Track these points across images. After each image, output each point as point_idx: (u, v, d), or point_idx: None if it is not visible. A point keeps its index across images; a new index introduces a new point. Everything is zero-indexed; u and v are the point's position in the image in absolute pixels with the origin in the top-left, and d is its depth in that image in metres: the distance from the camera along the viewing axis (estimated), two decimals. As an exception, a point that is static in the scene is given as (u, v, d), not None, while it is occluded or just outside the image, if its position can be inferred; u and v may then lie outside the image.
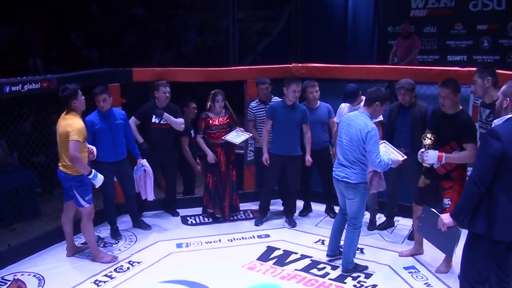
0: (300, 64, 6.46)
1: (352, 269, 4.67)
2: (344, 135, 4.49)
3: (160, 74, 6.12)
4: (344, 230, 4.72)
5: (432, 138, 4.35)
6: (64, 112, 4.68)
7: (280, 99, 5.70)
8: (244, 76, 6.36)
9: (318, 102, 5.73)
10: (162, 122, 5.73)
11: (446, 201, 4.44)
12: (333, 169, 4.64)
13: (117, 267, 4.85)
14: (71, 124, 4.57)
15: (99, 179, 4.73)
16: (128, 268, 4.86)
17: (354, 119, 4.45)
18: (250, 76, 6.32)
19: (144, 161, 5.51)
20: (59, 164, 4.77)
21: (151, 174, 5.61)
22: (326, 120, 5.77)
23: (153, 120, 5.73)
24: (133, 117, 5.77)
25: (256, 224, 5.81)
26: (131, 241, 5.43)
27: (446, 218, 3.51)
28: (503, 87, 3.39)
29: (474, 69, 5.27)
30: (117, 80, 5.97)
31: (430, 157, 4.34)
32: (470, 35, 11.91)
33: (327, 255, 4.94)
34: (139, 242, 5.42)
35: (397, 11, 12.60)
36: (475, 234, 3.38)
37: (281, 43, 12.64)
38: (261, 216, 5.89)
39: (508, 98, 3.29)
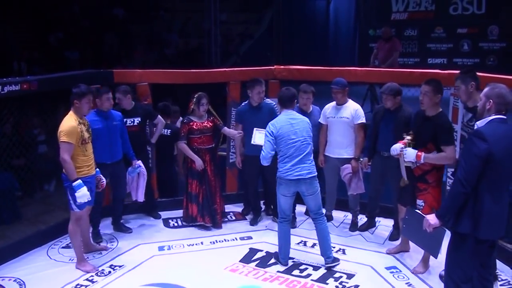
0: (282, 66, 6.49)
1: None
2: (294, 135, 4.64)
3: (142, 76, 6.10)
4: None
5: (411, 137, 4.43)
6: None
7: (271, 101, 5.80)
8: (226, 78, 6.36)
9: (311, 106, 5.72)
10: (128, 124, 5.64)
11: (420, 202, 4.48)
12: (289, 172, 4.63)
13: (98, 271, 4.81)
14: (62, 125, 4.50)
15: (81, 195, 4.50)
16: (110, 272, 4.82)
17: (294, 117, 4.75)
18: (232, 78, 6.33)
19: (140, 162, 5.51)
20: None
21: (145, 175, 5.60)
22: (318, 124, 5.77)
23: None
24: None
25: (252, 224, 5.83)
26: (112, 245, 5.39)
27: (432, 218, 3.54)
28: (486, 89, 3.45)
29: (454, 71, 5.38)
30: (98, 82, 5.90)
31: (409, 154, 4.41)
32: (450, 39, 12.06)
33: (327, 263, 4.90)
34: (121, 245, 5.38)
35: (378, 14, 12.70)
36: (459, 234, 3.43)
37: (263, 45, 12.65)
38: (255, 217, 5.91)
39: (491, 100, 3.36)
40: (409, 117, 4.96)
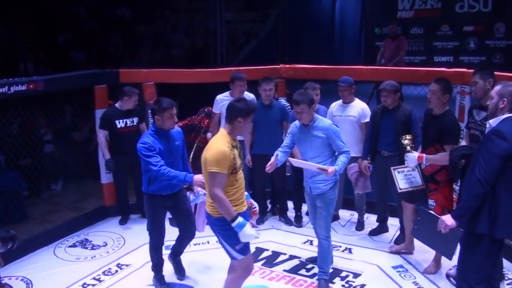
0: (287, 65, 6.48)
1: None
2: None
3: (148, 76, 6.11)
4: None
5: (410, 139, 4.42)
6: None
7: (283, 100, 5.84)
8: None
9: (317, 105, 5.60)
10: (129, 124, 5.70)
11: (431, 202, 4.46)
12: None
13: (105, 270, 4.83)
14: (208, 149, 3.61)
15: (247, 234, 3.56)
16: (117, 271, 4.83)
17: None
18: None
19: (200, 189, 4.36)
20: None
21: (205, 200, 4.44)
22: None
23: (118, 125, 5.69)
24: (100, 130, 5.75)
25: (258, 224, 5.78)
26: (119, 244, 5.41)
27: (448, 219, 3.43)
28: (498, 88, 3.42)
29: (461, 70, 5.37)
30: (103, 82, 5.96)
31: (410, 160, 4.43)
32: (456, 36, 11.98)
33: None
34: (127, 244, 5.39)
35: (384, 13, 12.64)
36: (476, 234, 3.37)
37: (269, 45, 12.64)
38: (261, 216, 5.85)
39: (505, 99, 3.33)
40: (408, 115, 4.95)
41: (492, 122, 3.38)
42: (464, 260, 3.48)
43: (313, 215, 4.54)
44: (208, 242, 5.39)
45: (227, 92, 5.79)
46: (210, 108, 6.02)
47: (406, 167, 4.58)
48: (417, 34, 12.22)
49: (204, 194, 4.20)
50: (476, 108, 4.34)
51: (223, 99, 5.72)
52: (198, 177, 4.02)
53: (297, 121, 4.42)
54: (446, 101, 4.37)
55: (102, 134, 5.73)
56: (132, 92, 5.74)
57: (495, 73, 4.87)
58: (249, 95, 5.84)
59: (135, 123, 5.80)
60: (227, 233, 3.62)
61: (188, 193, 4.49)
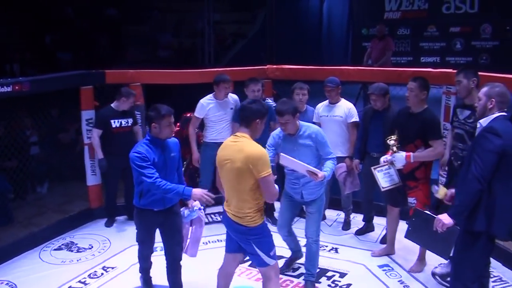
0: (274, 66, 6.49)
1: None
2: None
3: (134, 76, 6.09)
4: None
5: (395, 139, 4.46)
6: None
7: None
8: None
9: (306, 106, 5.65)
10: (123, 124, 5.70)
11: (411, 200, 4.54)
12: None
13: (91, 273, 4.80)
14: (252, 154, 3.41)
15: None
16: (102, 274, 4.81)
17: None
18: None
19: (197, 203, 4.11)
20: (230, 210, 3.61)
21: (203, 220, 4.25)
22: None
23: (114, 125, 5.68)
24: (94, 129, 5.73)
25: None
26: (105, 246, 5.38)
27: (445, 218, 3.44)
28: (485, 89, 3.49)
29: (447, 70, 5.41)
30: (90, 83, 5.92)
31: (398, 160, 4.46)
32: (443, 37, 12.09)
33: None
34: (113, 247, 5.37)
35: (371, 14, 12.72)
36: (473, 232, 3.40)
37: (257, 45, 12.64)
38: None
39: (493, 99, 3.41)
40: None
41: (483, 122, 3.45)
42: (460, 259, 3.49)
43: (289, 220, 4.55)
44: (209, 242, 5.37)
45: (211, 95, 5.74)
46: (190, 114, 5.97)
47: (384, 165, 4.61)
48: (404, 35, 12.31)
49: (200, 209, 4.10)
50: (460, 107, 4.41)
51: (208, 103, 5.69)
52: (197, 191, 3.82)
53: (277, 130, 4.30)
54: (424, 98, 4.46)
55: (97, 134, 5.71)
56: (130, 93, 5.75)
57: (482, 73, 4.94)
58: (232, 96, 5.84)
59: (129, 124, 5.81)
60: (262, 240, 3.59)
61: (182, 209, 4.17)
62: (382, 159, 4.61)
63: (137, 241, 4.29)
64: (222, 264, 3.92)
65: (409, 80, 4.50)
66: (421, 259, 4.73)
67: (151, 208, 4.01)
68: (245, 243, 3.62)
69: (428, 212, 3.81)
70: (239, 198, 3.51)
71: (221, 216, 4.18)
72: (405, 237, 4.27)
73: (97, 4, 13.31)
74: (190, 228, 4.22)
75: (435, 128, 4.43)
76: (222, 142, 5.70)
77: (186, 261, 4.83)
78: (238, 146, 3.47)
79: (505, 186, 3.38)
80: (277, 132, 4.31)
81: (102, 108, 5.85)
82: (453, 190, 3.74)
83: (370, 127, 5.18)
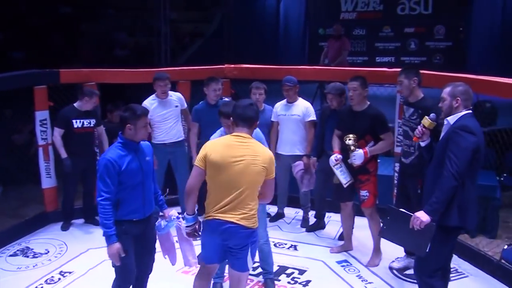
0: (232, 65, 6.50)
1: None
2: None
3: (89, 76, 5.98)
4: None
5: (353, 138, 4.57)
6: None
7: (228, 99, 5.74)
8: (176, 77, 6.29)
9: (263, 105, 5.66)
10: (86, 125, 5.59)
11: (364, 193, 4.71)
12: None
13: (47, 279, 4.67)
14: (267, 157, 3.41)
15: None
16: (60, 279, 4.69)
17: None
18: (182, 77, 6.29)
19: (174, 212, 3.87)
20: (234, 214, 3.37)
21: (181, 230, 3.81)
22: (270, 123, 5.74)
23: (75, 125, 5.56)
24: (56, 128, 5.58)
25: None
26: (61, 250, 5.26)
27: (422, 216, 3.45)
28: (448, 89, 3.57)
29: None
30: (43, 82, 5.77)
31: (357, 157, 4.58)
32: (398, 38, 12.39)
33: None
34: (70, 251, 5.24)
35: (327, 14, 12.90)
36: (446, 227, 3.48)
37: (214, 44, 12.63)
38: None
39: (458, 98, 3.50)
40: None
41: (451, 120, 3.53)
42: (431, 253, 3.51)
43: None
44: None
45: (154, 95, 5.68)
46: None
47: (338, 163, 4.72)
48: (359, 35, 12.55)
49: (177, 218, 3.81)
50: (405, 105, 4.56)
51: (151, 103, 5.63)
52: (114, 249, 3.48)
53: (216, 136, 4.06)
54: (366, 95, 4.64)
55: (58, 133, 5.55)
56: (93, 92, 5.64)
57: (436, 73, 5.16)
58: (176, 95, 5.82)
59: (92, 125, 5.67)
60: (255, 244, 3.52)
61: (158, 220, 3.86)
62: (333, 157, 4.73)
63: (113, 268, 3.67)
64: (202, 275, 3.69)
65: (349, 81, 4.66)
66: (376, 252, 4.86)
67: (130, 218, 3.59)
68: (242, 248, 3.42)
69: (403, 210, 3.76)
70: (249, 198, 3.38)
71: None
72: (379, 235, 4.30)
73: (51, 1, 12.99)
74: (169, 236, 3.93)
75: (383, 122, 4.64)
76: (171, 143, 5.68)
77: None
78: (250, 147, 3.38)
79: (474, 181, 3.52)
80: (216, 135, 4.10)
81: (64, 107, 5.70)
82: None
83: (327, 125, 5.27)
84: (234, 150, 3.36)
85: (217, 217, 3.38)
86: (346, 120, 4.74)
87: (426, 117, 3.72)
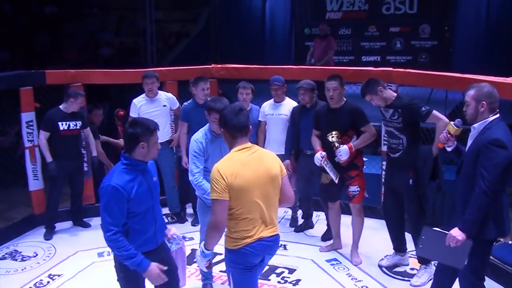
0: (219, 65, 6.50)
1: None
2: None
3: (76, 76, 5.94)
4: None
5: (336, 135, 4.62)
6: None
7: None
8: (162, 77, 6.26)
9: (250, 104, 5.65)
10: (71, 127, 5.55)
11: (354, 188, 4.77)
12: None
13: (36, 282, 4.65)
14: (275, 155, 3.33)
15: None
16: (48, 282, 4.67)
17: None
18: (169, 78, 6.28)
19: (175, 231, 3.57)
20: (274, 226, 3.22)
21: (184, 250, 3.73)
22: (257, 122, 5.73)
23: (61, 127, 5.50)
24: (41, 131, 5.51)
25: (193, 225, 5.80)
26: (50, 253, 5.22)
27: (458, 234, 3.32)
28: (471, 92, 3.34)
29: (388, 69, 5.64)
30: (29, 83, 5.72)
31: (343, 153, 4.63)
32: (383, 37, 12.47)
33: None
34: (59, 253, 5.21)
35: (313, 14, 12.95)
36: (485, 240, 3.39)
37: (200, 44, 12.60)
38: (197, 217, 5.75)
39: (484, 102, 3.29)
40: None
41: (478, 126, 3.35)
42: (470, 264, 3.41)
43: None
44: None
45: (144, 94, 5.73)
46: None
47: (324, 160, 4.74)
48: (345, 34, 12.61)
49: (184, 237, 3.66)
50: (382, 106, 4.54)
51: (140, 101, 5.68)
52: (153, 270, 3.16)
53: (199, 136, 3.98)
54: (343, 93, 4.74)
55: (44, 136, 5.49)
56: (78, 93, 5.59)
57: (421, 72, 5.24)
58: (166, 94, 5.84)
59: (78, 127, 5.63)
60: None
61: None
62: (318, 155, 4.76)
63: None
64: None
65: (328, 80, 4.70)
66: (354, 248, 4.95)
67: (142, 250, 3.16)
68: (271, 255, 3.35)
69: (437, 229, 3.64)
70: (276, 205, 3.26)
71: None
72: (417, 254, 4.33)
73: (36, 1, 12.87)
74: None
75: (363, 115, 4.71)
76: (160, 142, 5.72)
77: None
78: (259, 154, 3.21)
79: (505, 188, 3.40)
80: (199, 136, 4.00)
81: (50, 109, 5.64)
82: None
83: (300, 124, 5.31)
84: (252, 166, 3.12)
85: (262, 237, 3.15)
86: (325, 119, 4.79)
87: (451, 123, 3.51)
